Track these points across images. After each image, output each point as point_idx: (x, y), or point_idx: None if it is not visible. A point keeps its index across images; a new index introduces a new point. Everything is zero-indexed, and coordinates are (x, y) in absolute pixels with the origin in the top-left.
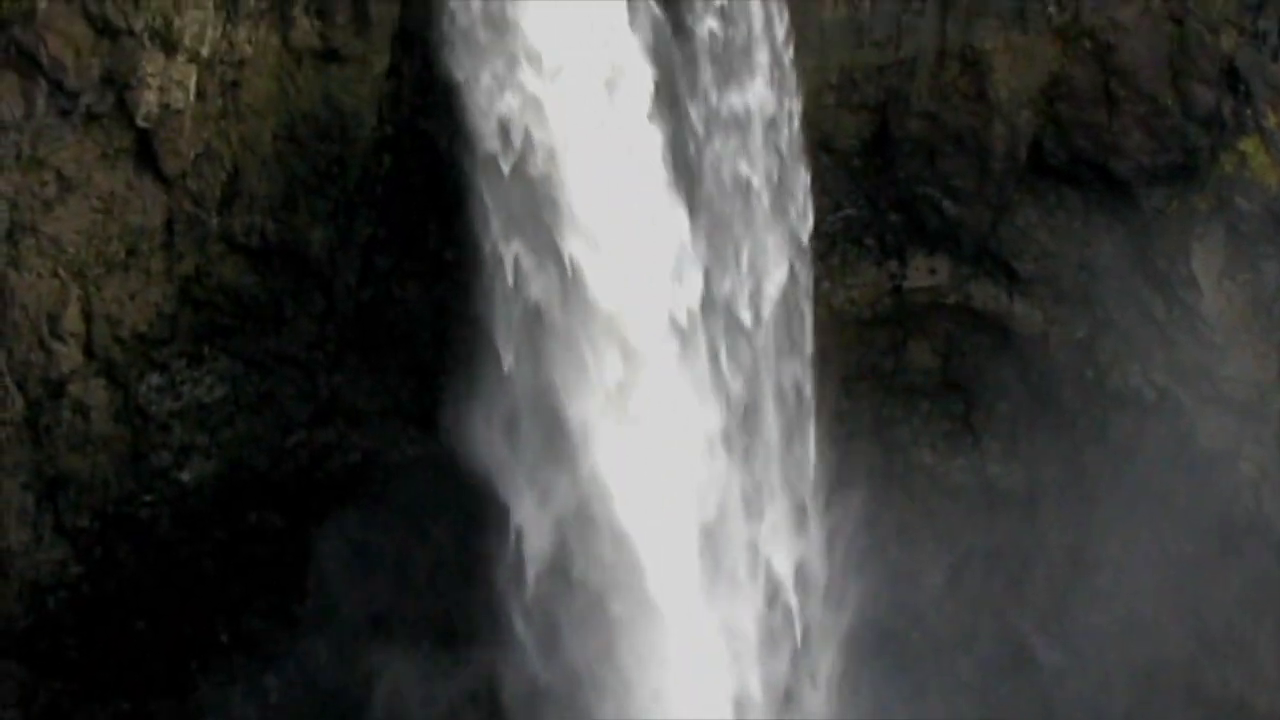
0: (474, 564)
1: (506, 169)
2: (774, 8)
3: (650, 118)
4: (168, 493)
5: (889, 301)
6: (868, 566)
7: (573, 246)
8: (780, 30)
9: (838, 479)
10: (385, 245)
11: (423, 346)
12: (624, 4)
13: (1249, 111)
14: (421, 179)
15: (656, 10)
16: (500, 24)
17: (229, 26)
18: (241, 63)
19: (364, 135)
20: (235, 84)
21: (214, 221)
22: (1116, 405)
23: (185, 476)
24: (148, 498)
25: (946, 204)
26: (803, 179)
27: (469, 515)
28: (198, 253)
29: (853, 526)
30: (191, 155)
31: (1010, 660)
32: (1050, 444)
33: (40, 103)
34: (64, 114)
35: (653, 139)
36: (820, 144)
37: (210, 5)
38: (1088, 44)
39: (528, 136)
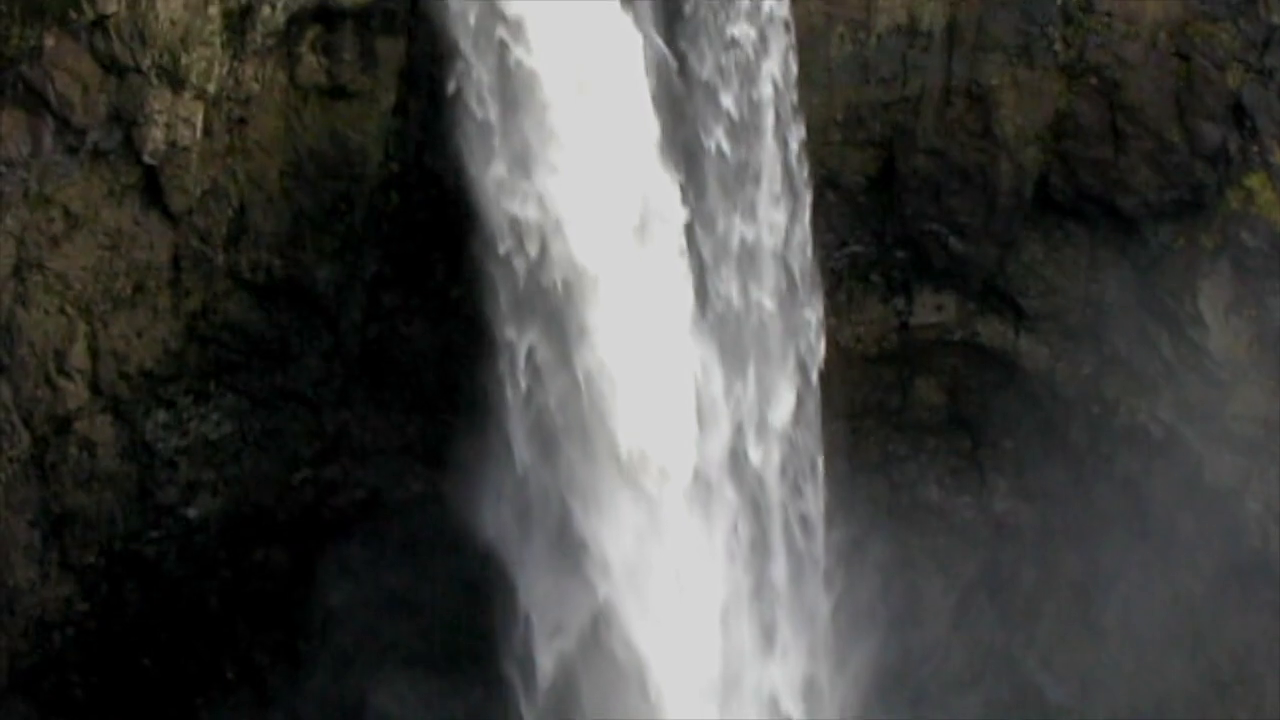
0: (478, 609)
1: (521, 272)
2: (789, 124)
3: (681, 253)
4: (174, 529)
5: (895, 338)
6: (876, 612)
7: (590, 363)
8: (794, 143)
9: (850, 561)
10: (392, 282)
11: (429, 383)
12: (657, 135)
13: (1255, 148)
14: (428, 216)
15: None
16: (516, 135)
17: (236, 63)
18: (248, 100)
19: (371, 172)
20: (242, 121)
21: (220, 258)
22: (1123, 442)
23: (191, 513)
24: (154, 534)
25: (953, 240)
26: (817, 309)
27: (475, 554)
28: (204, 289)
29: (866, 605)
30: (198, 192)
31: (1017, 698)
32: (1057, 481)
33: (47, 140)
34: (71, 151)
35: (682, 274)
36: (826, 180)
37: (217, 42)
38: (1094, 80)
39: (545, 247)
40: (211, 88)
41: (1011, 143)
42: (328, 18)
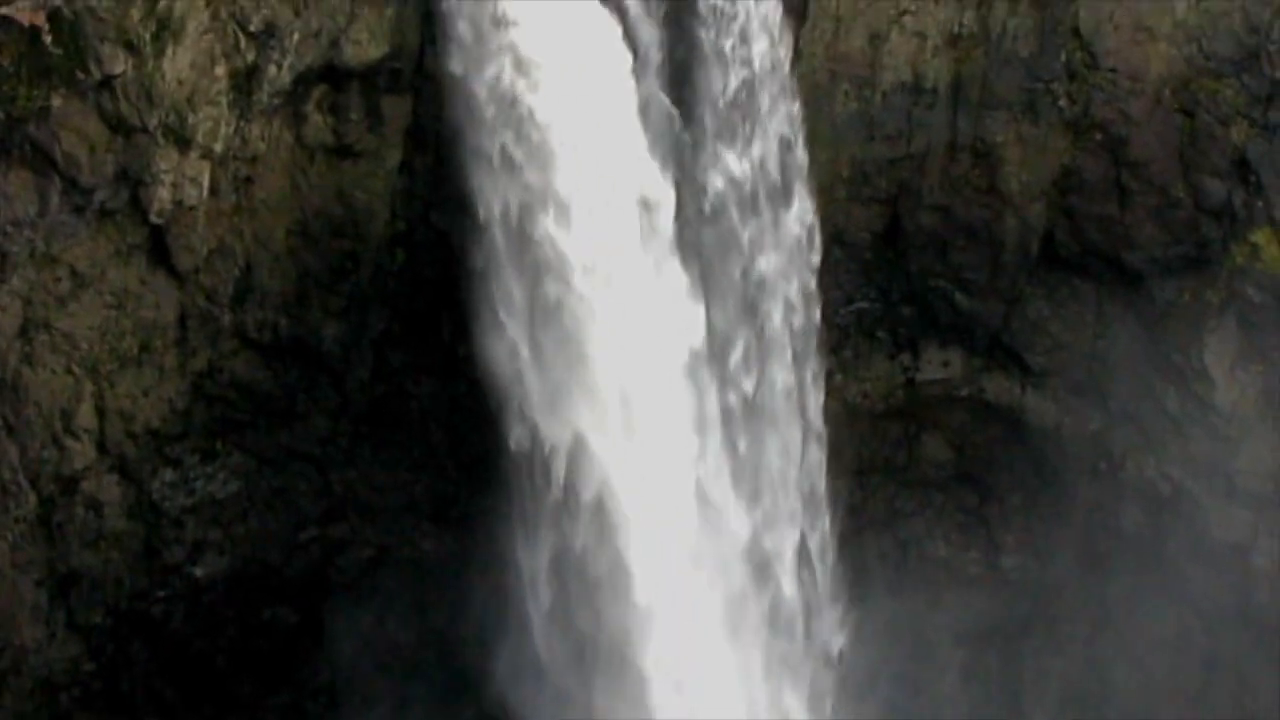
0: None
1: (541, 491)
2: (809, 398)
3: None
4: (181, 589)
5: (902, 394)
6: (884, 667)
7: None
8: (812, 414)
9: (857, 617)
10: (398, 340)
11: (436, 441)
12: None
13: (1260, 203)
14: (435, 274)
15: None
16: (548, 363)
17: (242, 123)
18: (254, 159)
19: (377, 230)
20: (248, 180)
21: (227, 317)
22: (1130, 497)
23: (198, 572)
24: (161, 594)
25: (959, 296)
26: (839, 606)
27: (482, 611)
28: (210, 348)
29: (874, 661)
30: (204, 251)
31: None
32: (1064, 536)
33: (54, 200)
34: (78, 211)
35: (745, 574)
36: (832, 237)
37: (224, 102)
38: (1099, 136)
39: (575, 480)
40: (218, 147)
41: (1017, 199)
42: (334, 77)
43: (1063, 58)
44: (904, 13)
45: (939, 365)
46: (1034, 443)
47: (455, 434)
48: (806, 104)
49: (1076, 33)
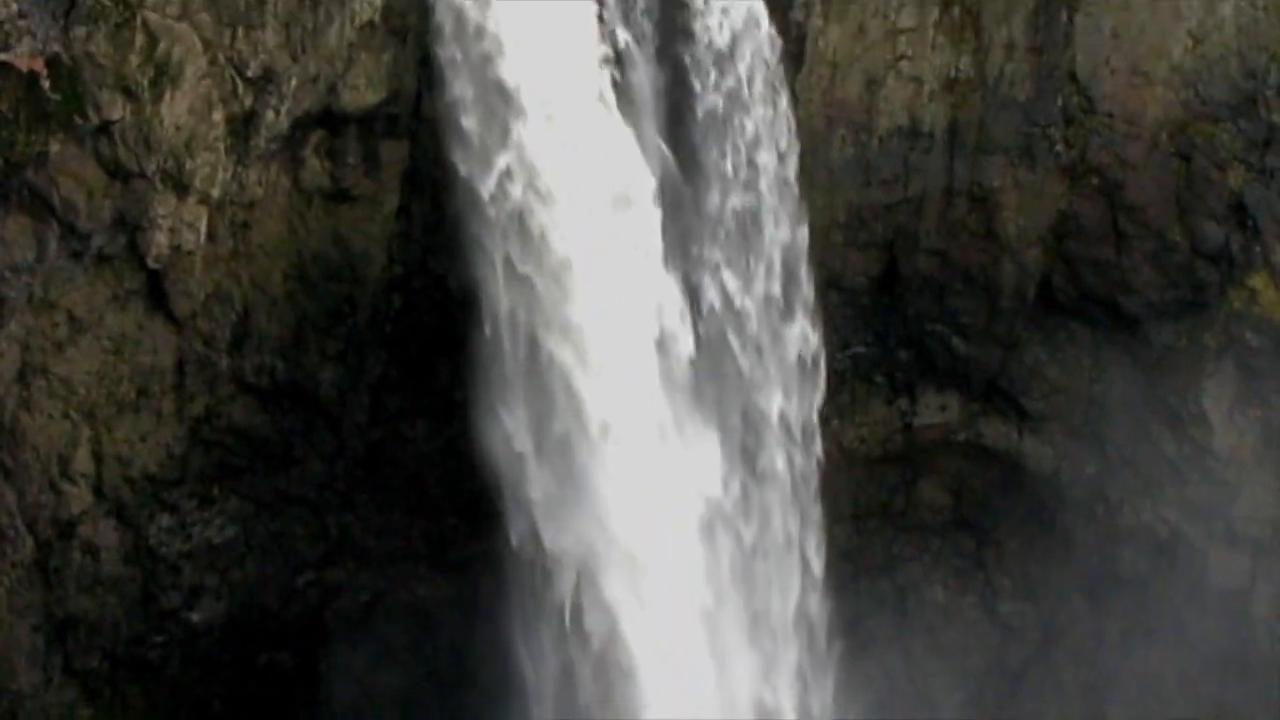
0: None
1: (548, 605)
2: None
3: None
4: (178, 633)
5: (899, 439)
6: (883, 714)
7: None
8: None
9: (856, 663)
10: (395, 385)
11: (433, 485)
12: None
13: (1257, 247)
14: (432, 318)
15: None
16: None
17: (240, 168)
18: (252, 204)
19: (374, 275)
20: (246, 225)
21: (224, 362)
22: (1128, 542)
23: (195, 617)
24: (158, 639)
25: (956, 341)
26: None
27: (479, 656)
28: (208, 393)
29: (873, 707)
30: (202, 296)
31: None
32: (1062, 581)
33: (52, 245)
34: (75, 256)
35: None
36: (829, 282)
37: (221, 147)
38: (1095, 181)
39: (583, 599)
40: (215, 192)
41: (1014, 243)
42: (331, 122)
43: (1059, 102)
44: (900, 58)
45: (936, 410)
46: (1031, 487)
47: (452, 478)
48: (803, 150)
49: (1073, 77)
